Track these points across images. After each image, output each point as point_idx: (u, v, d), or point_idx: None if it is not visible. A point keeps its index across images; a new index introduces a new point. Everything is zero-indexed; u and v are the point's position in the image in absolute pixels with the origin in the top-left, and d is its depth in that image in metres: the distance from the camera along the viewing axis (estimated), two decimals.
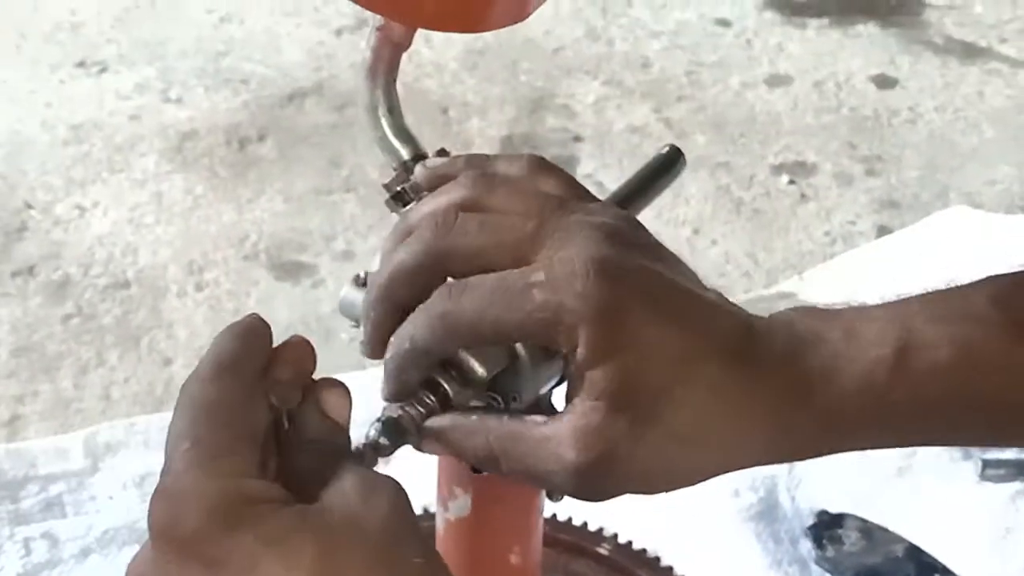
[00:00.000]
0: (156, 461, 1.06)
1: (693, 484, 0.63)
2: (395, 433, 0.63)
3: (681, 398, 0.59)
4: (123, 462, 1.08)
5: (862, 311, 0.64)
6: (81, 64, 1.73)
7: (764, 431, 0.61)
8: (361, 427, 1.08)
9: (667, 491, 0.63)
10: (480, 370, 0.67)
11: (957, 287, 0.66)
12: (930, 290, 0.65)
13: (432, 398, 0.66)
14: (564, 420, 0.60)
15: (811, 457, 0.64)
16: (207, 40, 1.78)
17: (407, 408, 0.64)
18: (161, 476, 0.55)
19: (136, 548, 1.01)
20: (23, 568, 1.00)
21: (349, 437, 0.59)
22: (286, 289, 1.38)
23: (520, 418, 0.62)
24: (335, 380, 0.60)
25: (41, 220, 1.46)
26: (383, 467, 0.63)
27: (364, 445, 0.62)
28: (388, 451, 0.63)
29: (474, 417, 0.63)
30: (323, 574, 0.52)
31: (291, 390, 0.59)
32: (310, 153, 1.57)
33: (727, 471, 0.62)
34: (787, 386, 0.61)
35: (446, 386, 0.66)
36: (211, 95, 1.67)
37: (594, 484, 0.61)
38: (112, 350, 1.30)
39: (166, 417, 1.12)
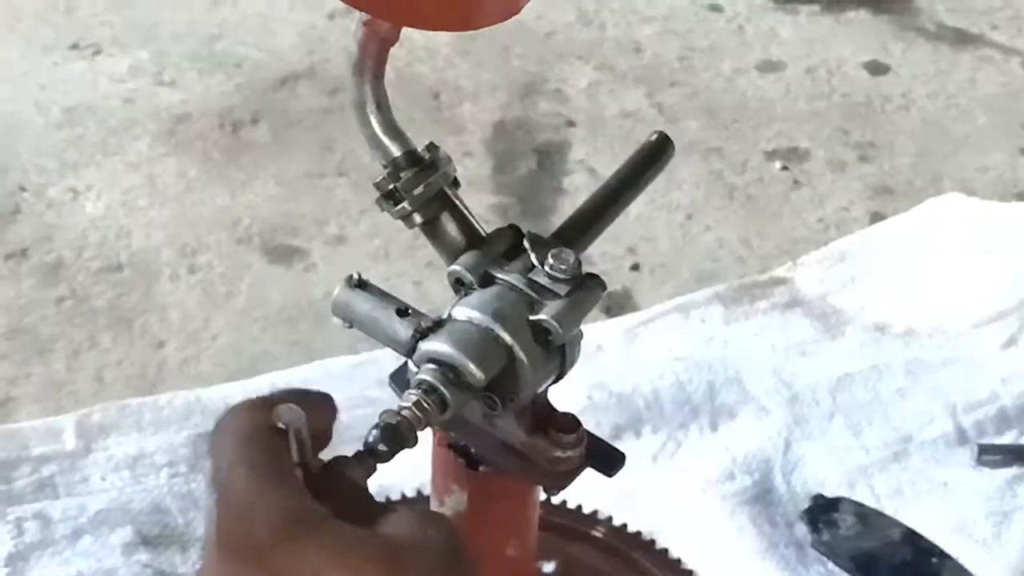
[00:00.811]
0: (148, 443, 1.07)
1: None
2: (393, 439, 0.63)
3: None
4: (116, 444, 1.08)
5: None
6: (75, 46, 1.72)
7: None
8: (351, 409, 1.09)
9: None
10: (478, 374, 0.67)
11: None
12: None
13: (430, 402, 0.65)
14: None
15: None
16: (200, 23, 1.77)
17: (405, 413, 0.64)
18: (218, 500, 0.56)
19: (128, 529, 1.02)
20: (15, 548, 1.00)
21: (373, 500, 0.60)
22: (279, 273, 1.38)
23: None
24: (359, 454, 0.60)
25: (34, 203, 1.46)
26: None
27: (362, 451, 0.62)
28: (387, 457, 0.63)
29: None
30: None
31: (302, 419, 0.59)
32: (303, 137, 1.57)
33: None
34: None
35: (443, 390, 0.66)
36: (204, 78, 1.66)
37: None
38: (105, 333, 1.29)
39: (159, 399, 1.12)
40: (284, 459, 0.57)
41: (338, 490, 0.58)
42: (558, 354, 0.70)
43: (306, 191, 1.48)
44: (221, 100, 1.62)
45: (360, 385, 1.11)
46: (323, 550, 0.53)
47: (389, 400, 0.68)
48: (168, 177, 1.49)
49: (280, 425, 0.58)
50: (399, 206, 0.71)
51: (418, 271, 1.36)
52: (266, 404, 0.58)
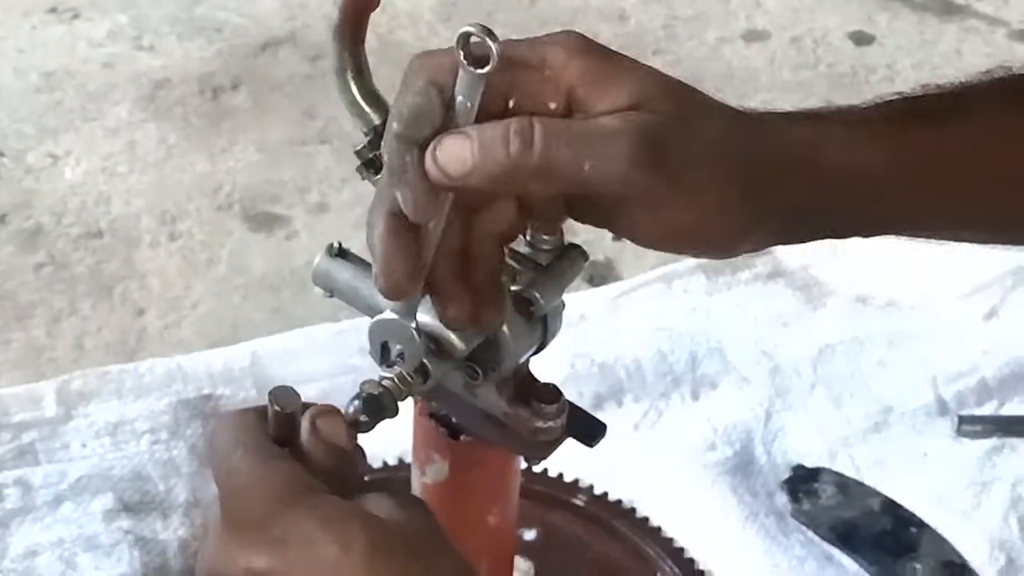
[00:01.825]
0: (129, 410, 1.07)
1: (717, 245, 0.64)
2: (375, 410, 0.63)
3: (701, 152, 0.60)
4: (96, 411, 1.07)
5: (857, 117, 0.66)
6: (53, 10, 1.70)
7: (778, 200, 0.62)
8: (333, 376, 1.08)
9: (692, 246, 0.64)
10: (459, 344, 0.66)
11: (951, 88, 0.68)
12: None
13: (411, 373, 0.65)
14: (615, 116, 0.60)
15: (833, 238, 0.65)
16: None
17: (386, 383, 0.64)
18: (219, 487, 0.59)
19: (109, 496, 1.02)
20: None
21: (355, 463, 0.61)
22: (260, 240, 1.38)
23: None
24: (327, 406, 0.61)
25: (13, 168, 1.45)
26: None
27: (344, 422, 0.62)
28: (367, 427, 0.63)
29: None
30: (374, 559, 0.55)
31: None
32: (284, 103, 1.56)
33: (752, 236, 0.63)
34: (797, 173, 0.62)
35: (424, 360, 0.66)
36: (184, 43, 1.65)
37: (642, 185, 0.60)
38: (85, 299, 1.29)
39: (140, 367, 1.12)
40: (275, 445, 0.59)
41: (326, 464, 0.60)
42: (540, 324, 0.70)
43: (288, 158, 1.48)
44: (201, 65, 1.61)
45: (342, 353, 1.11)
46: (316, 520, 0.56)
47: (370, 368, 0.67)
48: (148, 143, 1.49)
49: (275, 408, 0.59)
50: (379, 175, 0.71)
51: None
52: (254, 409, 0.61)
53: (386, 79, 0.73)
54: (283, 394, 0.59)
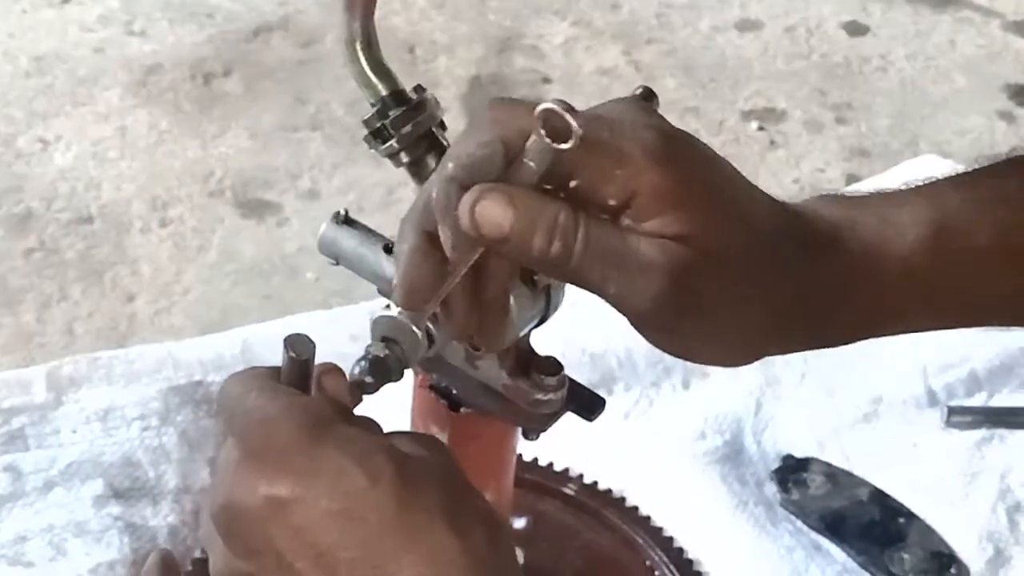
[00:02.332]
0: (119, 396, 1.07)
1: (736, 362, 0.64)
2: (380, 372, 0.63)
3: (734, 274, 0.60)
4: (86, 396, 1.07)
5: (889, 195, 0.64)
6: None
7: (808, 318, 0.62)
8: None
9: (710, 362, 0.65)
10: None
11: (985, 168, 0.65)
12: (958, 171, 0.66)
13: (401, 354, 0.65)
14: (657, 245, 0.59)
15: (847, 343, 0.65)
16: None
17: (392, 346, 0.64)
18: (236, 427, 0.58)
19: (99, 482, 1.02)
20: None
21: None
22: (251, 227, 1.37)
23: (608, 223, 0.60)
24: (331, 364, 0.61)
25: (3, 153, 1.44)
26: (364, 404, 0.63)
27: (350, 383, 0.62)
28: (372, 389, 0.63)
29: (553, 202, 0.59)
30: (403, 491, 0.56)
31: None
32: (276, 89, 1.55)
33: (768, 352, 0.64)
34: (831, 275, 0.62)
35: (430, 325, 0.66)
36: (176, 28, 1.65)
37: (664, 320, 0.61)
38: (75, 285, 1.29)
39: (130, 353, 1.12)
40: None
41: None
42: (543, 296, 0.70)
43: (279, 144, 1.48)
44: (193, 51, 1.60)
45: (332, 340, 1.10)
46: (342, 453, 0.56)
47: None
48: (139, 128, 1.48)
49: (291, 354, 0.59)
50: (387, 144, 0.71)
51: (393, 226, 1.34)
52: (262, 367, 0.61)
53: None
54: (298, 341, 0.59)
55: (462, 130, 0.61)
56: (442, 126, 0.73)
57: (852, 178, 1.44)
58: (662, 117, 0.62)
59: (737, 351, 0.63)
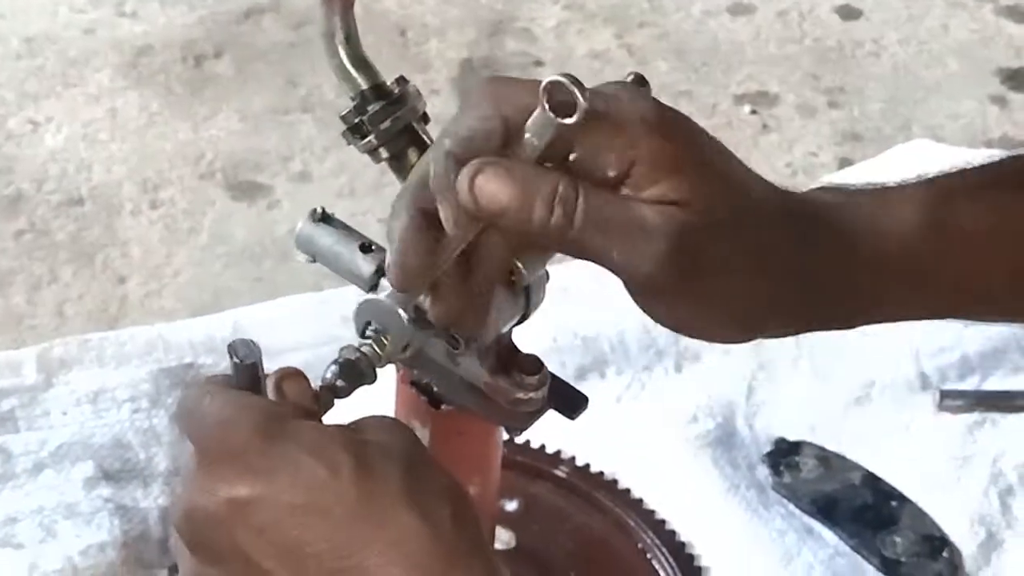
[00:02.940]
0: (110, 378, 1.06)
1: (733, 337, 0.63)
2: (352, 375, 0.63)
3: (734, 247, 0.60)
4: (77, 378, 1.07)
5: (887, 186, 0.64)
6: None
7: (806, 293, 0.61)
8: (315, 347, 1.08)
9: (709, 337, 0.64)
10: None
11: (987, 164, 0.65)
12: (951, 155, 0.66)
13: (389, 339, 0.65)
14: (658, 210, 0.59)
15: (844, 327, 0.65)
16: None
17: (364, 350, 0.64)
18: (192, 431, 0.58)
19: (90, 464, 1.01)
20: None
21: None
22: (242, 209, 1.37)
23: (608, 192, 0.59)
24: (291, 369, 0.61)
25: None
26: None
27: (320, 387, 0.62)
28: (345, 393, 0.63)
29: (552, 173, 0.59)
30: (363, 479, 0.55)
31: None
32: (267, 71, 1.55)
33: (767, 328, 0.63)
34: (829, 253, 0.61)
35: (418, 305, 0.65)
36: (167, 10, 1.64)
37: (666, 284, 0.60)
38: (66, 267, 1.28)
39: (121, 335, 1.11)
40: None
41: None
42: (523, 295, 0.70)
43: (270, 127, 1.47)
44: (184, 32, 1.59)
45: (324, 323, 1.10)
46: (298, 445, 0.56)
47: (352, 338, 0.67)
48: (130, 110, 1.48)
49: (235, 360, 0.59)
50: (365, 140, 0.70)
51: (384, 209, 1.34)
52: (218, 374, 0.62)
53: (370, 48, 0.72)
54: (241, 345, 0.59)
55: (458, 107, 0.61)
56: (424, 119, 0.72)
57: (845, 162, 1.44)
58: (655, 98, 0.62)
59: (736, 324, 0.63)
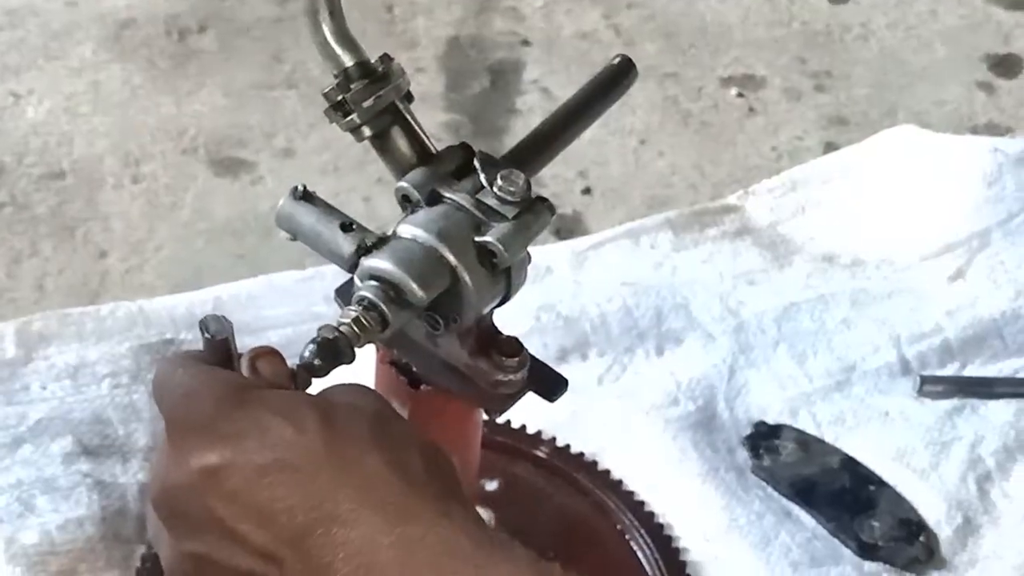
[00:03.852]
0: (90, 353, 1.06)
1: None
2: (330, 354, 0.63)
3: None
4: (57, 353, 1.06)
5: None
6: None
7: None
8: (297, 324, 1.08)
9: None
10: (419, 292, 0.66)
11: None
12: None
13: (369, 319, 0.65)
14: None
15: None
16: None
17: (343, 329, 0.64)
18: (163, 403, 0.59)
19: (68, 439, 1.01)
20: None
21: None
22: (225, 185, 1.36)
23: None
24: (266, 348, 0.61)
25: None
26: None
27: (298, 366, 0.62)
28: (322, 372, 0.62)
29: None
30: (329, 432, 0.56)
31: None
32: (252, 47, 1.54)
33: None
34: None
35: (384, 307, 0.65)
36: None
37: None
38: (46, 240, 1.27)
39: (102, 309, 1.11)
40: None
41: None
42: (503, 277, 0.70)
43: (254, 102, 1.46)
44: (167, 6, 1.58)
45: (305, 300, 1.10)
46: (265, 410, 0.56)
47: (334, 316, 0.67)
48: (112, 84, 1.46)
49: (206, 335, 0.60)
50: (348, 118, 0.70)
51: (368, 187, 1.34)
52: (191, 350, 0.63)
53: (356, 25, 0.72)
54: (213, 321, 0.60)
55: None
56: (408, 98, 0.71)
57: (830, 146, 1.43)
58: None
59: None
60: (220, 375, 0.59)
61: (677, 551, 0.98)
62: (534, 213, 0.69)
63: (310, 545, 0.54)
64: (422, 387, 0.74)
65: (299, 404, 0.57)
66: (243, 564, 0.56)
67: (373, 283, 0.66)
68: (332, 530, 0.54)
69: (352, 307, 0.65)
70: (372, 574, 0.54)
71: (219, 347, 0.60)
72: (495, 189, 0.69)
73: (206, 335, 0.60)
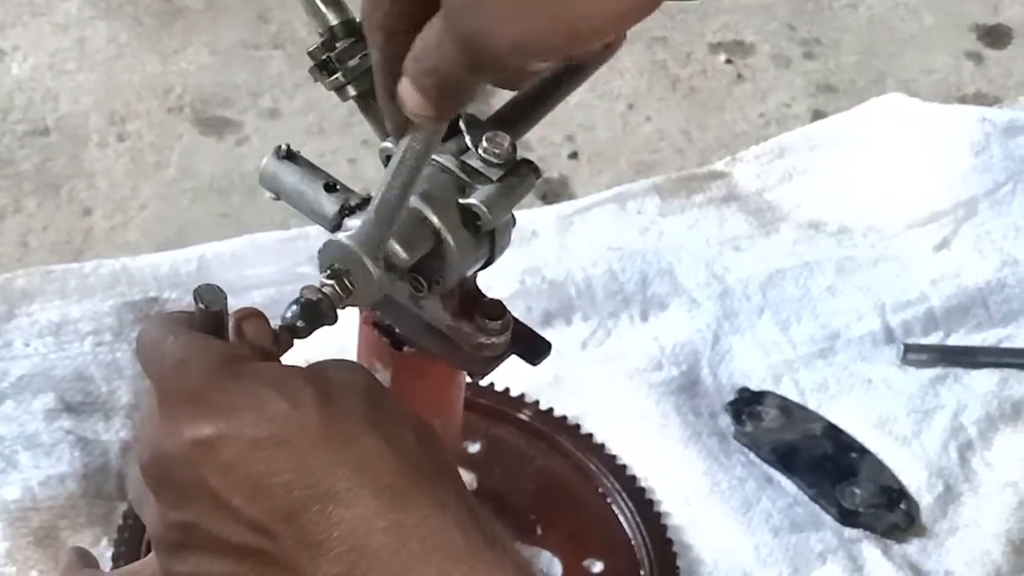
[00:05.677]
0: (73, 310, 1.05)
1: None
2: (313, 316, 0.62)
3: None
4: (39, 309, 1.06)
5: None
6: None
7: None
8: (280, 284, 1.08)
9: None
10: (402, 254, 0.66)
11: None
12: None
13: (352, 281, 0.64)
14: None
15: None
16: None
17: (326, 290, 0.63)
18: (152, 371, 0.58)
19: (51, 396, 1.01)
20: None
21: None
22: (210, 144, 1.35)
23: None
24: (251, 309, 0.61)
25: None
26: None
27: (280, 327, 0.62)
28: (304, 333, 0.62)
29: None
30: (325, 408, 0.55)
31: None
32: (238, 6, 1.53)
33: None
34: None
35: (393, 250, 0.65)
36: None
37: None
38: (30, 197, 1.27)
39: (85, 267, 1.10)
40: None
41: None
42: (487, 240, 0.69)
43: (240, 62, 1.45)
44: None
45: (289, 260, 1.10)
46: (260, 383, 0.56)
47: (318, 277, 0.66)
48: (97, 41, 1.45)
49: (200, 305, 0.59)
50: (333, 77, 0.69)
51: (353, 148, 1.34)
52: (180, 311, 0.62)
53: None
54: (208, 291, 0.59)
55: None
56: None
57: (818, 114, 1.43)
58: None
59: None
60: (213, 345, 0.58)
61: (658, 515, 0.98)
62: (519, 176, 0.69)
63: (304, 521, 0.54)
64: (405, 349, 0.74)
65: (294, 378, 0.56)
66: (234, 536, 0.56)
67: None
68: (328, 508, 0.54)
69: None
70: (364, 557, 0.54)
71: (212, 318, 0.59)
72: (480, 151, 0.69)
73: (200, 305, 0.59)
